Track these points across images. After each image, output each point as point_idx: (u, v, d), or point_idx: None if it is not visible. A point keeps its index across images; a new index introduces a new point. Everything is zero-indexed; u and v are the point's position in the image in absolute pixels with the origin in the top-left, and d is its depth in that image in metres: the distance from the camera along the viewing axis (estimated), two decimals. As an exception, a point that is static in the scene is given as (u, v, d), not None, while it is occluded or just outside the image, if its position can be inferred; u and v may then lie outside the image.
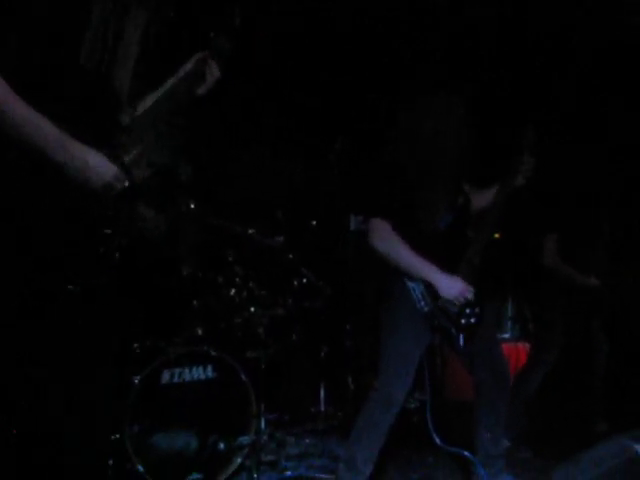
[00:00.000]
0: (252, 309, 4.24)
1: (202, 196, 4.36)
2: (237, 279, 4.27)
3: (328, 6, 5.19)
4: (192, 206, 4.27)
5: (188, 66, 2.36)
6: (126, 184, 2.02)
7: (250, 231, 4.42)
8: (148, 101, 2.30)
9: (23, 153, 1.85)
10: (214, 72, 2.34)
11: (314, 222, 5.11)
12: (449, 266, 3.18)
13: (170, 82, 2.34)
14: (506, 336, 6.45)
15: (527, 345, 5.75)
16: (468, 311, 3.18)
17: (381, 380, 3.24)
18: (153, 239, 4.45)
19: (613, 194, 4.80)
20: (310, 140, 6.19)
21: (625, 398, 4.80)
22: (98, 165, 1.95)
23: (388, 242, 3.19)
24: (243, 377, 3.79)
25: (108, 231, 2.06)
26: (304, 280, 4.63)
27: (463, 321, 3.18)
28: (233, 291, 4.23)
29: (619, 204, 4.86)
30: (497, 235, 4.81)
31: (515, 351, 5.90)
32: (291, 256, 4.58)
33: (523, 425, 4.48)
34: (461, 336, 3.17)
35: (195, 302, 4.13)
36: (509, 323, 6.63)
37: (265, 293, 4.33)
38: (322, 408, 4.75)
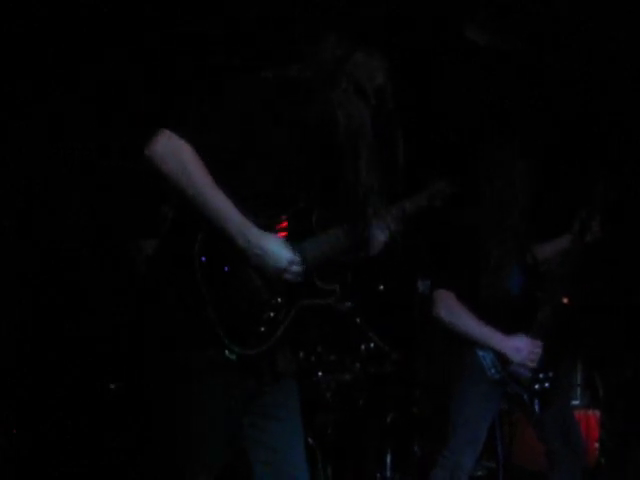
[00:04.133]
0: (320, 373, 4.29)
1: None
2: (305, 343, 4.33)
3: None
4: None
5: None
6: (301, 270, 2.20)
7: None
8: None
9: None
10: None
11: (382, 286, 5.13)
12: (523, 329, 3.18)
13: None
14: (576, 403, 6.30)
15: (597, 413, 5.63)
16: (542, 376, 3.15)
17: (450, 447, 3.23)
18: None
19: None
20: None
21: None
22: (274, 252, 2.14)
23: (453, 313, 3.21)
24: (310, 441, 3.83)
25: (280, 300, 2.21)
26: (372, 345, 4.65)
27: (537, 386, 3.14)
28: (302, 355, 4.28)
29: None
30: (566, 301, 4.79)
31: (585, 419, 5.76)
32: (359, 320, 4.62)
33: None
34: (536, 402, 3.14)
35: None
36: (578, 390, 6.49)
37: (333, 357, 4.37)
38: (388, 474, 4.71)
